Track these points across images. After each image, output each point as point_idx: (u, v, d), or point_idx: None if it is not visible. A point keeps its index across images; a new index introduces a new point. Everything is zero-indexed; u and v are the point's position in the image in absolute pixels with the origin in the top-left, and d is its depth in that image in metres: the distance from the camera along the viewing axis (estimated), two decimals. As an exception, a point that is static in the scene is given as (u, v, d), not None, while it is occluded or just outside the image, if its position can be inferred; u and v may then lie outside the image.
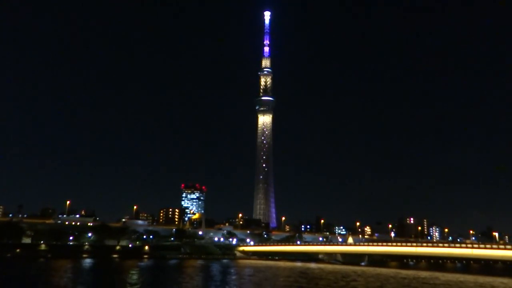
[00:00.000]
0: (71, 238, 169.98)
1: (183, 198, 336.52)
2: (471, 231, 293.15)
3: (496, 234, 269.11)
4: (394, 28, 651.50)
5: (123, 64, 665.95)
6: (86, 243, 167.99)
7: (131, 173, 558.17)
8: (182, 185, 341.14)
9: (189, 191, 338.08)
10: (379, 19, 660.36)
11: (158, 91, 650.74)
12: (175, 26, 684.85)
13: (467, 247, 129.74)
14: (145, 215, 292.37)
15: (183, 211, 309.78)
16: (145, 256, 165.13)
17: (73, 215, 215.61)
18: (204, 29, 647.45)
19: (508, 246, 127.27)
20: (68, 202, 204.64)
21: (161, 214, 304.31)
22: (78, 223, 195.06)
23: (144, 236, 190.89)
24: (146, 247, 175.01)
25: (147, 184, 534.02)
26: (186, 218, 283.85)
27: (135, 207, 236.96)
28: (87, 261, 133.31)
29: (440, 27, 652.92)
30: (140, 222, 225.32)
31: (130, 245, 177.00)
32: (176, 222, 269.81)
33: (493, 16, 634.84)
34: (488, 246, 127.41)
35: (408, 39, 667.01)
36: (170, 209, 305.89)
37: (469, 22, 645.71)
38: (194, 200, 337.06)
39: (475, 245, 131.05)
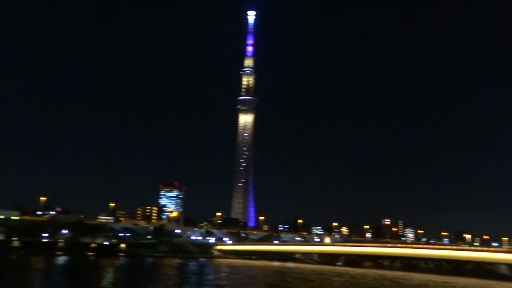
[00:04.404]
0: (45, 235, 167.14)
1: (161, 196, 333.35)
2: (444, 233, 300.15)
3: (468, 236, 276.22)
4: (382, 28, 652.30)
5: (102, 61, 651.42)
6: (61, 240, 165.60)
7: (108, 170, 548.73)
8: (161, 183, 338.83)
9: (168, 189, 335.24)
10: (366, 19, 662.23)
11: (137, 87, 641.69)
12: (155, 22, 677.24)
13: (439, 249, 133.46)
14: (122, 212, 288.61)
15: (161, 209, 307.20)
16: (121, 254, 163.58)
17: (48, 212, 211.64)
18: (187, 27, 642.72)
19: (479, 248, 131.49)
20: (42, 199, 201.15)
21: (139, 212, 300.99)
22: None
23: (121, 234, 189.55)
24: (123, 245, 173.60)
25: (125, 182, 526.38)
26: (164, 217, 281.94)
27: (112, 204, 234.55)
28: (61, 259, 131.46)
29: (433, 27, 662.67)
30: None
31: (106, 243, 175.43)
32: (154, 221, 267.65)
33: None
34: (459, 248, 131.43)
35: (395, 40, 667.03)
36: (148, 207, 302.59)
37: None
38: (173, 199, 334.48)
39: (447, 247, 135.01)
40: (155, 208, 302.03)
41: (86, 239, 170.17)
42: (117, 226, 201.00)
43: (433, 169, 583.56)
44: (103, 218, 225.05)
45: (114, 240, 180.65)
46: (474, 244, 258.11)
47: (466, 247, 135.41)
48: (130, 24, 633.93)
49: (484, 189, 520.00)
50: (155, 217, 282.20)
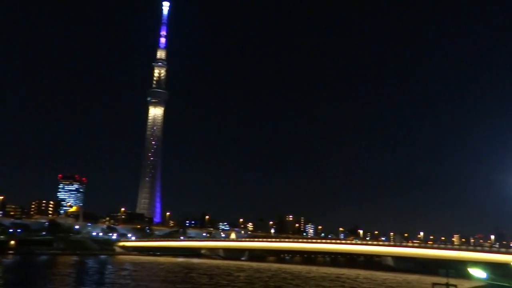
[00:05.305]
0: None
1: (60, 190, 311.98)
2: (341, 229, 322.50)
3: (361, 231, 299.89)
4: (295, 20, 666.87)
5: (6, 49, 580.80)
6: None
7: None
8: (60, 175, 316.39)
9: (68, 182, 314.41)
10: (281, 11, 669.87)
11: (38, 75, 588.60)
12: (62, 10, 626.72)
13: (335, 243, 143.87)
14: (13, 206, 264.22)
15: (59, 203, 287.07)
16: (11, 251, 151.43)
17: None
18: (98, 15, 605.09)
19: (369, 242, 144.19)
20: None
21: (33, 207, 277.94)
22: None
23: (11, 230, 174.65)
24: (13, 242, 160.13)
25: (17, 173, 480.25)
26: (62, 211, 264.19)
27: (0, 197, 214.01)
28: None
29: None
30: None
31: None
32: (50, 215, 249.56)
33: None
34: (352, 242, 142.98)
35: (305, 33, 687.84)
36: (44, 201, 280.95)
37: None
38: (73, 192, 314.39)
39: (342, 241, 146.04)
40: (52, 202, 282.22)
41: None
42: (6, 221, 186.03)
43: (334, 167, 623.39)
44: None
45: (2, 237, 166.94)
46: (366, 238, 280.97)
47: (358, 241, 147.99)
48: (34, 10, 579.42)
49: (376, 187, 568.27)
50: (51, 212, 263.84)
